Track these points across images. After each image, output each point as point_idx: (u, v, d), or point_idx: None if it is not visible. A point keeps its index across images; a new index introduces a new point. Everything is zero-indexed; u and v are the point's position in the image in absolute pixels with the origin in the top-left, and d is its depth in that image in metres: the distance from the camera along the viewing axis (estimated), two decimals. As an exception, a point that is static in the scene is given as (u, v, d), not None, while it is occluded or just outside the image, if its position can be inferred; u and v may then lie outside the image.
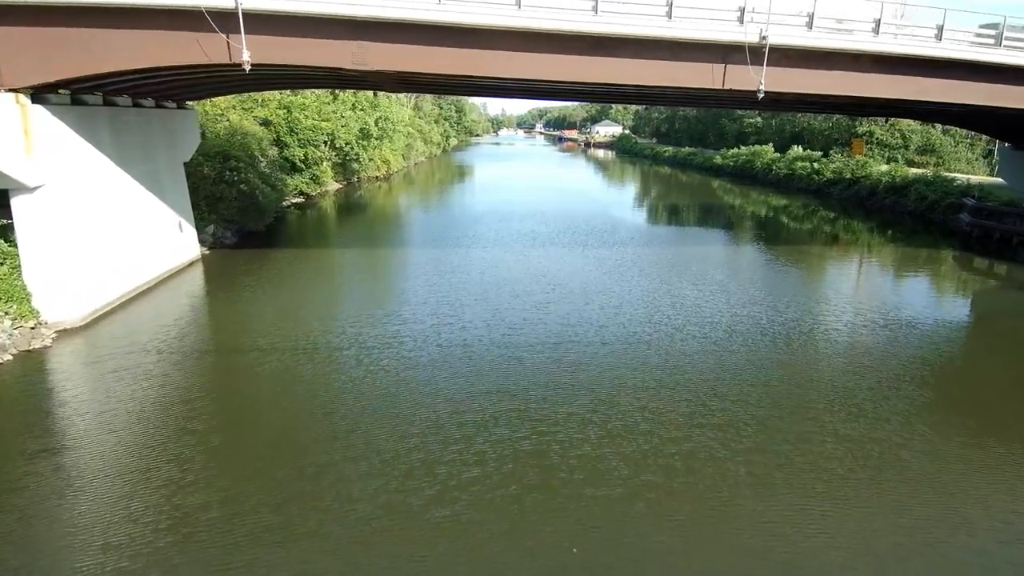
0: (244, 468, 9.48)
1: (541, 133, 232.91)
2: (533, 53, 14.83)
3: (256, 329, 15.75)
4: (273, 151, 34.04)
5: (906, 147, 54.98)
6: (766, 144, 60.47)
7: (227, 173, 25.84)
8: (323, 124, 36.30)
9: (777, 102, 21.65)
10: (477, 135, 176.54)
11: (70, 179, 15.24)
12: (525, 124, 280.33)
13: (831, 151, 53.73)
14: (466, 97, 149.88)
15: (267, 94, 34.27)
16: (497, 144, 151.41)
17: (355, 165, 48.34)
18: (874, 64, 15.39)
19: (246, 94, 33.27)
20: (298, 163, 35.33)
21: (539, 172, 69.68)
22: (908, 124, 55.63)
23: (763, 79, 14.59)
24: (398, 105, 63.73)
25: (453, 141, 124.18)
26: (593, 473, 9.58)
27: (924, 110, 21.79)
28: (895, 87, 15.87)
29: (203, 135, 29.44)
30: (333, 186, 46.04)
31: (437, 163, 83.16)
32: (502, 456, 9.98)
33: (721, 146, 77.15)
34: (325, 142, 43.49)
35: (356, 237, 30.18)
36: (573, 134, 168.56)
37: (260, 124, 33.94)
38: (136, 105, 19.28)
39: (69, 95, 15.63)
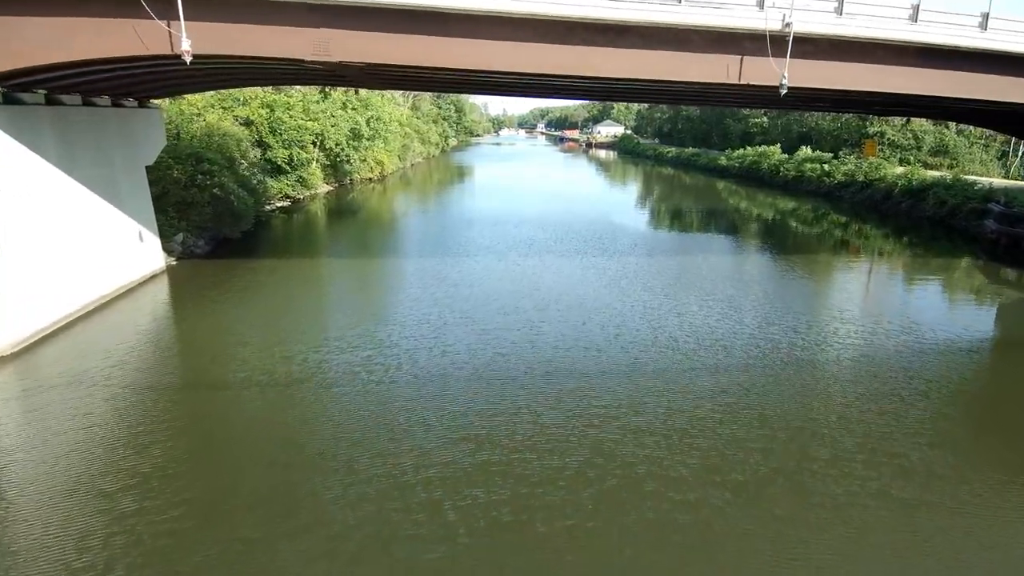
0: (183, 527, 7.67)
1: (543, 133, 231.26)
2: (520, 43, 13.01)
3: (214, 353, 13.94)
4: (255, 152, 32.27)
5: (919, 148, 53.05)
6: (772, 145, 58.54)
7: (199, 176, 24.04)
8: (310, 124, 34.48)
9: (801, 100, 19.81)
10: (477, 135, 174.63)
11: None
12: (526, 124, 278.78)
13: (840, 152, 51.84)
14: (466, 97, 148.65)
15: (248, 92, 32.51)
16: (498, 144, 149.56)
17: (347, 166, 46.57)
18: (915, 56, 13.54)
19: (226, 92, 31.52)
20: (283, 165, 33.53)
21: (538, 173, 67.86)
22: (921, 124, 53.71)
23: (786, 73, 12.74)
24: (392, 104, 61.96)
25: (452, 141, 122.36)
26: (586, 552, 7.75)
27: (965, 109, 19.88)
28: (938, 83, 13.99)
29: (177, 135, 27.74)
30: (323, 188, 44.26)
31: (435, 164, 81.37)
32: (474, 530, 8.15)
33: (725, 147, 75.21)
34: (314, 142, 41.75)
35: (339, 244, 28.40)
36: (574, 134, 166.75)
37: (241, 124, 32.17)
38: (88, 104, 17.50)
39: (1, 94, 13.86)
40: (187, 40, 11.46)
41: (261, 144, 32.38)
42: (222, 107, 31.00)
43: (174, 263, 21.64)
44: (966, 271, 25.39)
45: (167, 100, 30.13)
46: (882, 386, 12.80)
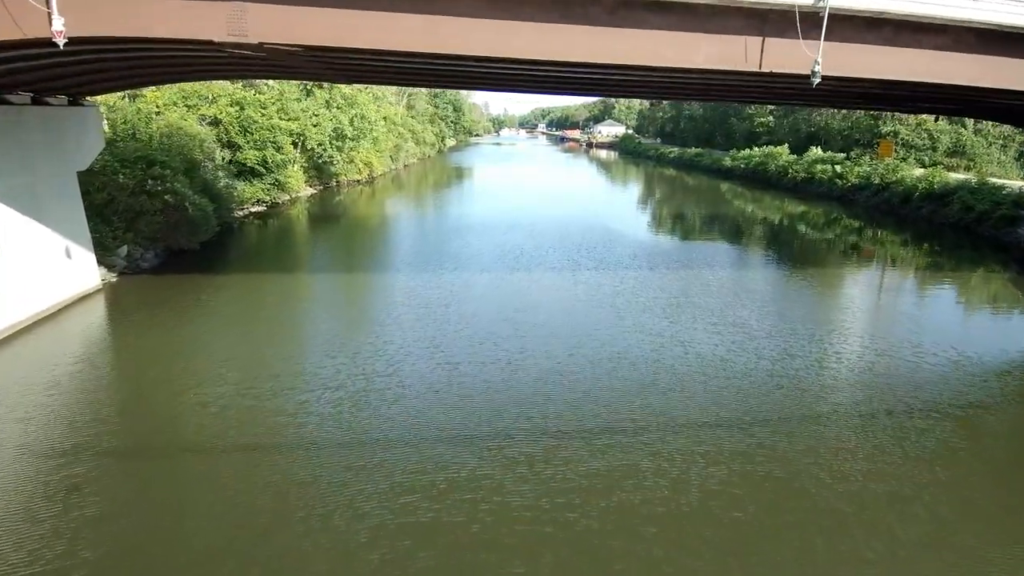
0: None
1: (543, 133, 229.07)
2: (497, 20, 10.56)
3: (137, 396, 11.49)
4: (224, 154, 29.84)
5: (934, 149, 50.46)
6: (779, 145, 55.95)
7: (149, 182, 21.59)
8: (287, 123, 32.02)
9: (832, 94, 17.23)
10: (477, 135, 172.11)
11: None
12: (527, 124, 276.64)
13: (851, 153, 49.25)
14: (465, 97, 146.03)
15: (216, 88, 30.08)
16: (498, 144, 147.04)
17: (333, 168, 44.11)
18: (984, 41, 11.04)
19: (191, 89, 29.09)
20: (256, 167, 31.08)
21: (535, 174, 65.38)
22: (937, 123, 51.09)
23: (820, 58, 10.25)
24: (384, 103, 59.53)
25: (450, 141, 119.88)
26: None
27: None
28: (1012, 74, 11.43)
29: (133, 136, 25.33)
30: (306, 191, 41.84)
31: (430, 165, 78.92)
32: None
33: (729, 147, 72.62)
34: (295, 143, 39.32)
35: (307, 256, 25.91)
36: (575, 134, 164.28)
37: (209, 123, 29.74)
38: (1, 102, 15.08)
39: None
40: (59, 19, 9.00)
41: (231, 145, 29.93)
42: (186, 105, 28.57)
43: (114, 280, 19.19)
44: (1000, 285, 22.86)
45: (125, 98, 27.75)
46: (941, 448, 10.30)
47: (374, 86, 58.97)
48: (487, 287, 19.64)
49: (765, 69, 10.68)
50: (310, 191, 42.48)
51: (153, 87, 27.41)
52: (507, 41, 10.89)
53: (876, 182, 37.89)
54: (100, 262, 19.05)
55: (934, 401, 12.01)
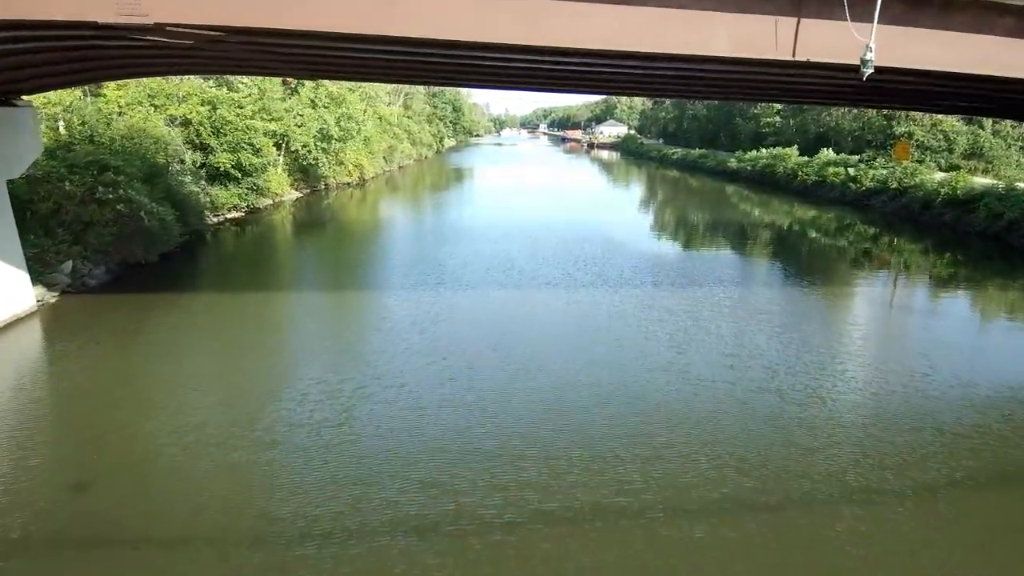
0: None
1: (545, 133, 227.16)
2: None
3: (55, 439, 9.40)
4: (194, 157, 27.76)
5: (950, 150, 48.26)
6: (786, 146, 53.67)
7: (99, 189, 19.52)
8: (262, 124, 29.93)
9: (878, 93, 15.08)
10: (477, 135, 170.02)
11: None
12: (529, 124, 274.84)
13: (863, 155, 46.98)
14: (466, 96, 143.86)
15: (187, 86, 28.01)
16: (499, 145, 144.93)
17: (320, 170, 42.00)
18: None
19: (158, 87, 27.02)
20: (231, 171, 29.01)
21: (534, 176, 63.26)
22: (952, 123, 48.90)
23: (872, 43, 8.10)
24: (377, 102, 57.49)
25: (449, 142, 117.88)
26: None
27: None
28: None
29: (91, 139, 23.25)
30: (291, 195, 39.76)
31: (427, 166, 76.86)
32: None
33: (734, 148, 70.39)
34: (278, 144, 37.28)
35: (275, 268, 23.78)
36: (577, 134, 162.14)
37: (179, 124, 27.68)
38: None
39: None
40: None
41: (203, 148, 27.84)
42: (152, 104, 26.48)
43: (54, 300, 17.12)
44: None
45: (85, 97, 25.68)
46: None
47: (366, 85, 57.03)
48: (470, 307, 17.54)
49: (800, 57, 8.55)
50: (295, 195, 40.40)
51: (114, 85, 25.38)
52: (481, 24, 8.79)
53: (893, 186, 35.67)
54: (39, 280, 17.01)
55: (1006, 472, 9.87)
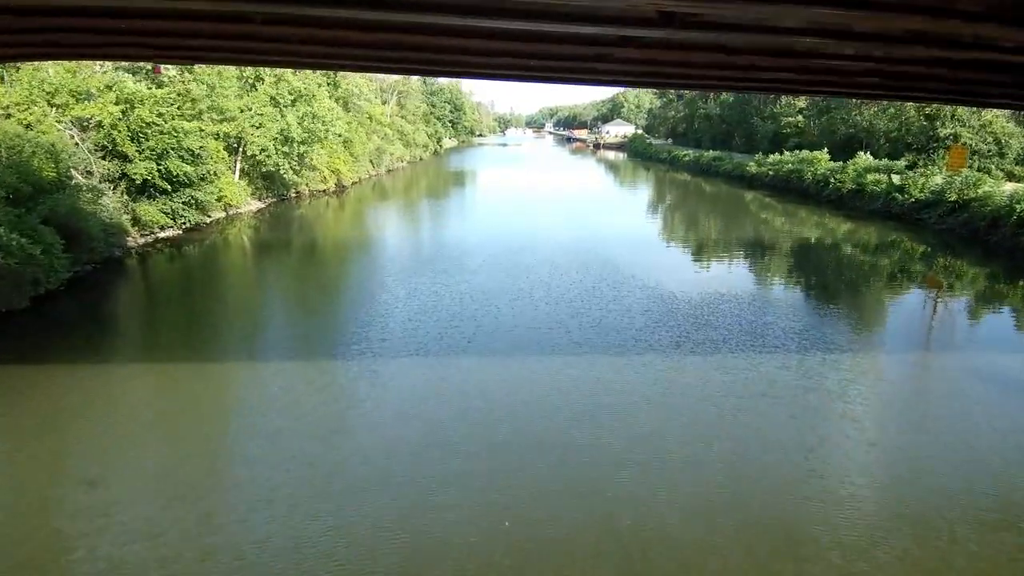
0: None
1: (551, 133, 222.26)
2: None
3: None
4: (110, 166, 22.74)
5: (1001, 154, 42.78)
6: (814, 149, 48.05)
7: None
8: (193, 126, 24.84)
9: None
10: (480, 135, 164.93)
11: None
12: (535, 123, 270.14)
13: (900, 159, 41.48)
14: (468, 95, 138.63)
15: (97, 81, 22.94)
16: (504, 145, 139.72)
17: (292, 177, 36.91)
18: None
19: (58, 81, 21.96)
20: (159, 182, 23.98)
21: (535, 182, 58.07)
22: (1003, 125, 43.39)
23: None
24: (360, 99, 52.43)
25: (450, 142, 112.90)
26: None
27: None
28: None
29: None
30: (252, 206, 34.75)
31: (421, 169, 71.79)
32: None
33: (750, 149, 64.84)
34: (232, 148, 32.31)
35: (181, 313, 18.27)
36: (583, 134, 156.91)
37: (92, 128, 22.66)
38: None
39: None
40: None
41: (115, 154, 22.78)
42: (51, 103, 21.46)
43: None
44: None
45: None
46: None
47: (350, 82, 51.94)
48: (423, 382, 12.42)
49: None
50: (257, 205, 35.37)
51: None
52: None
53: (952, 198, 30.22)
54: None
55: None
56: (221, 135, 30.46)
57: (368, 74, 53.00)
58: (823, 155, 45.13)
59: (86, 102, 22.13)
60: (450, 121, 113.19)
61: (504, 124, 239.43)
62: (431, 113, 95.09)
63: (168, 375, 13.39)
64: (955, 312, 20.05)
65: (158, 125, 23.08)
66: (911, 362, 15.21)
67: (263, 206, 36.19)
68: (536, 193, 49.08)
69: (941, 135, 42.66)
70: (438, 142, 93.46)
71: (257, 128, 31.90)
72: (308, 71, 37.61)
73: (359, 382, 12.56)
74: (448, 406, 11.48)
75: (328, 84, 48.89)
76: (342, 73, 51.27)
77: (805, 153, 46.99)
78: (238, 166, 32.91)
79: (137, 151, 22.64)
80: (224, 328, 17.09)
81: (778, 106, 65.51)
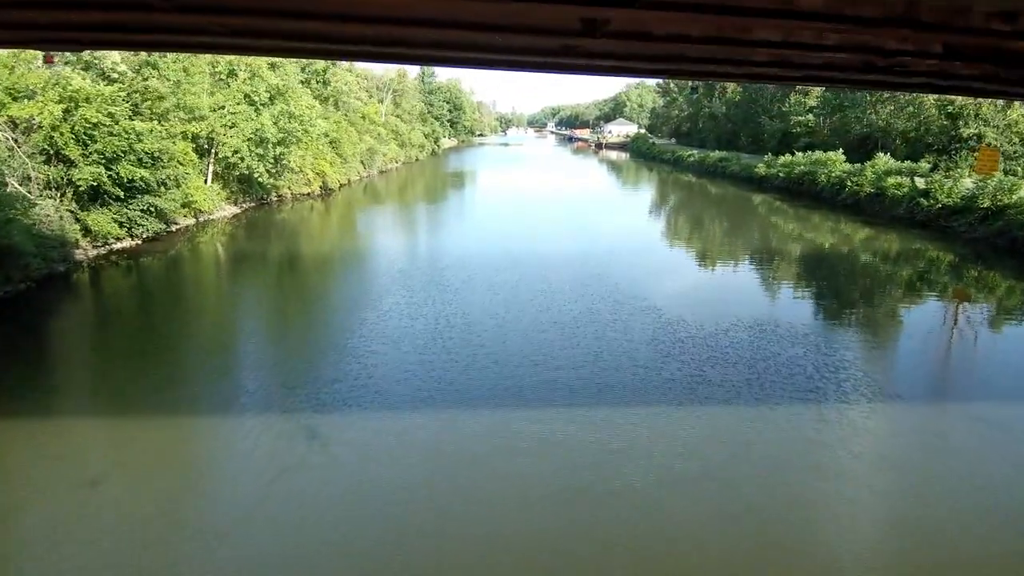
0: None
1: (553, 132, 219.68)
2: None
3: None
4: (52, 171, 20.36)
5: (1028, 155, 40.15)
6: (825, 150, 45.43)
7: None
8: (147, 126, 22.43)
9: None
10: (481, 134, 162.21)
11: None
12: (536, 122, 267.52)
13: (920, 161, 38.88)
14: (468, 94, 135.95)
15: (35, 78, 20.54)
16: (504, 145, 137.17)
17: (267, 180, 34.46)
18: None
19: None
20: (111, 189, 21.59)
21: (535, 184, 55.60)
22: (1030, 124, 40.76)
23: None
24: (350, 96, 50.02)
25: (449, 142, 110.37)
26: None
27: None
28: None
29: None
30: (226, 211, 32.36)
31: (417, 171, 69.35)
32: None
33: (757, 149, 62.18)
34: (206, 149, 29.94)
35: (110, 349, 15.72)
36: (585, 133, 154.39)
37: (33, 130, 20.29)
38: None
39: None
40: None
41: (59, 158, 20.40)
42: (-20, 101, 19.15)
43: None
44: None
45: None
46: None
47: (339, 80, 49.60)
48: (373, 465, 9.96)
49: None
50: (232, 211, 32.98)
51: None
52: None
53: (984, 205, 27.67)
54: None
55: None
56: (190, 135, 28.08)
57: (343, 66, 50.46)
58: (838, 156, 42.56)
59: (25, 100, 19.74)
60: (449, 120, 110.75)
61: (506, 123, 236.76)
62: (428, 112, 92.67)
63: (79, 429, 10.97)
64: None
65: (107, 126, 20.69)
66: (975, 416, 12.72)
67: (239, 211, 33.78)
68: (535, 197, 46.67)
69: (964, 135, 40.07)
70: (436, 142, 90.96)
71: (230, 128, 29.50)
72: (289, 64, 35.25)
73: (298, 439, 10.14)
74: (406, 489, 9.05)
75: (317, 82, 46.59)
76: (332, 71, 48.95)
77: (819, 154, 44.42)
78: (211, 169, 30.53)
79: (83, 155, 20.24)
80: (166, 361, 14.63)
81: (787, 104, 62.97)
